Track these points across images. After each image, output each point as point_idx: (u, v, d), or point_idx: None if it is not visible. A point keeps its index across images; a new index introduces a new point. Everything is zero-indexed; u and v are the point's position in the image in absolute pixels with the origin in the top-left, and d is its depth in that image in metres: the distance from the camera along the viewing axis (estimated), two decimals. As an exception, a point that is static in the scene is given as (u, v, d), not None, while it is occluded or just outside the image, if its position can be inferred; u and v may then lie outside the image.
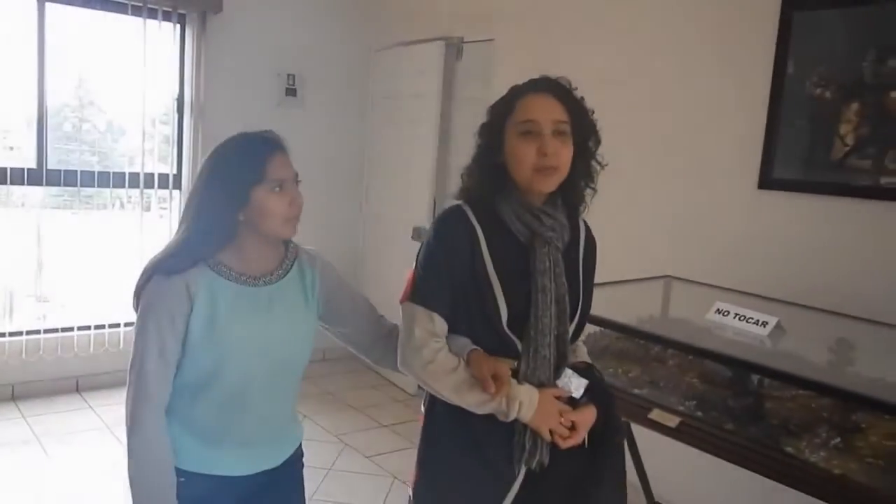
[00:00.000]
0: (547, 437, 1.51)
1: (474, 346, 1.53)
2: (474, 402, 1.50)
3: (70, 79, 4.29)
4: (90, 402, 4.15)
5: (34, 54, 4.01)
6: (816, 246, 2.71)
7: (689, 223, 3.10)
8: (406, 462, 3.67)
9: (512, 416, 1.49)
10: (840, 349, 2.21)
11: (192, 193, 1.56)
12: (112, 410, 4.01)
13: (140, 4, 4.17)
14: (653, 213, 3.27)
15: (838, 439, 1.77)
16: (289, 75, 4.74)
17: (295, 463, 1.74)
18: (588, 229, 1.70)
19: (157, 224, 4.50)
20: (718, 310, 2.22)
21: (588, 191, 1.61)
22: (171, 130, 4.49)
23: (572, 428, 1.52)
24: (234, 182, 1.50)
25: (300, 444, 1.76)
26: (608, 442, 1.60)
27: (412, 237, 4.53)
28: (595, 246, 1.71)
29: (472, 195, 1.59)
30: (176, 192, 4.51)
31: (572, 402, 1.55)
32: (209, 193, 1.52)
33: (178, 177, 4.50)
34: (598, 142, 1.58)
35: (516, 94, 1.56)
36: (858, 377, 2.10)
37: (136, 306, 1.54)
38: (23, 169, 4.05)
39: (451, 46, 4.37)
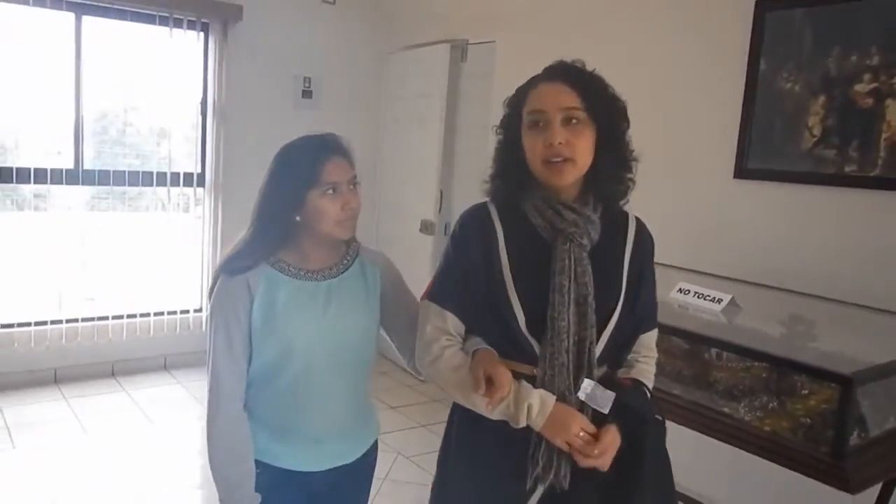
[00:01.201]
0: (564, 447, 1.38)
1: (484, 346, 1.46)
2: (479, 403, 1.41)
3: (105, 86, 4.60)
4: (124, 385, 4.50)
5: (72, 63, 4.33)
6: (786, 231, 2.88)
7: (669, 211, 3.28)
8: (410, 439, 3.93)
9: (521, 422, 1.39)
10: (791, 324, 2.39)
11: (259, 194, 1.61)
12: (143, 394, 4.35)
13: (167, 15, 4.47)
14: (635, 202, 3.44)
15: (776, 402, 1.96)
16: (305, 78, 5.01)
17: (368, 464, 1.74)
18: (641, 226, 1.56)
19: (185, 220, 4.82)
20: (680, 289, 2.41)
21: (625, 182, 1.48)
22: (195, 132, 4.79)
23: (596, 440, 1.37)
24: (291, 185, 1.55)
25: (375, 442, 1.76)
26: (635, 475, 1.41)
27: (420, 230, 4.77)
28: (651, 245, 1.56)
29: (497, 191, 1.53)
30: (200, 190, 4.81)
31: (599, 418, 1.41)
32: (269, 195, 1.58)
33: (202, 175, 4.81)
34: (625, 126, 1.46)
35: (529, 84, 1.48)
36: (803, 348, 2.27)
37: (209, 303, 1.63)
38: (61, 170, 4.38)
39: (455, 49, 4.60)
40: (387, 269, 1.74)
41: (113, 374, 4.60)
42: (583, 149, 1.41)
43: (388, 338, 1.76)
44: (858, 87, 2.65)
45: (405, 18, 5.11)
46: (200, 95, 4.76)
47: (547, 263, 1.42)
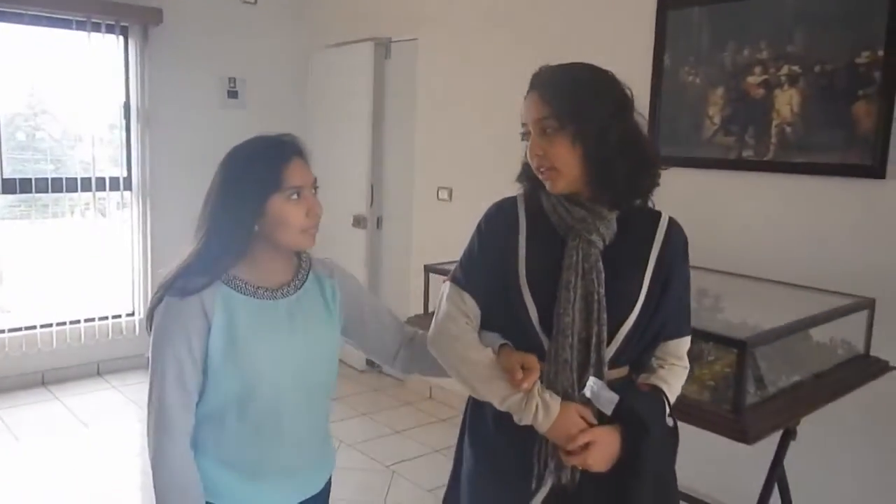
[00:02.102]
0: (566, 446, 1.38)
1: (505, 341, 1.45)
2: (497, 393, 1.40)
3: (21, 91, 4.50)
4: (56, 393, 4.43)
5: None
6: (694, 213, 3.09)
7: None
8: (352, 427, 4.03)
9: (526, 420, 1.38)
10: (699, 297, 2.60)
11: (206, 203, 1.44)
12: (77, 400, 4.30)
13: (84, 19, 4.40)
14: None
15: (685, 369, 2.16)
16: (230, 79, 5.01)
17: (327, 488, 1.65)
18: (672, 227, 1.50)
19: (112, 225, 4.77)
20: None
21: (636, 178, 1.42)
22: (119, 136, 4.73)
23: (585, 447, 1.36)
24: (250, 191, 1.40)
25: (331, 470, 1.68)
26: (634, 482, 1.39)
27: (353, 224, 4.86)
28: (682, 246, 1.51)
29: (527, 186, 1.53)
30: (127, 194, 4.76)
31: (604, 421, 1.39)
32: (224, 203, 1.41)
33: (128, 179, 4.75)
34: (609, 121, 1.37)
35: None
36: (711, 319, 2.49)
37: (150, 328, 1.44)
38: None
39: (379, 46, 4.70)
40: (343, 277, 1.62)
41: (44, 383, 4.52)
42: (559, 156, 1.39)
43: (358, 347, 1.69)
44: (751, 79, 2.90)
45: (328, 17, 5.17)
46: (123, 99, 4.69)
47: (560, 260, 1.41)
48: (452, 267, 2.92)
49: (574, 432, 1.36)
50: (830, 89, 2.66)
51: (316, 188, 1.49)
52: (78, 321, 4.60)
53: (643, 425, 1.38)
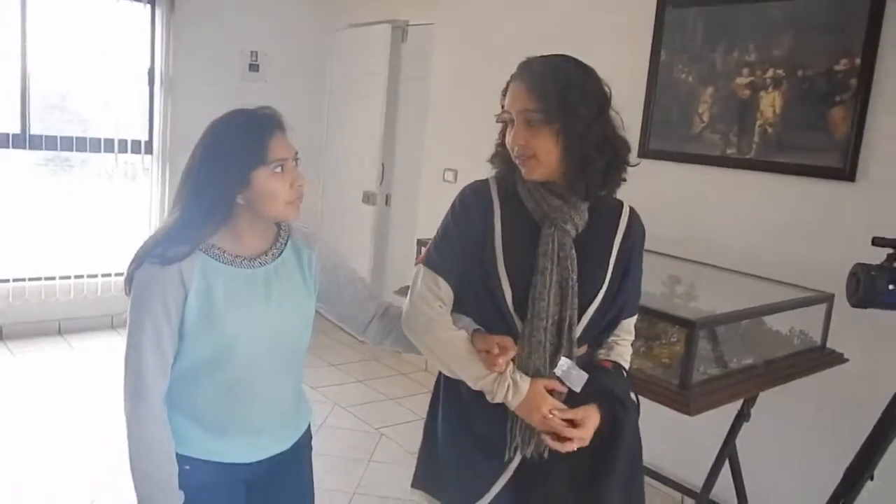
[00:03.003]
0: (539, 427, 1.46)
1: (478, 327, 1.52)
2: (471, 373, 1.48)
3: (52, 55, 4.71)
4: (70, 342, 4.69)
5: (18, 32, 4.44)
6: (678, 206, 3.26)
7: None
8: (346, 391, 4.23)
9: (498, 398, 1.46)
10: (670, 284, 2.76)
11: (187, 173, 1.47)
12: (90, 348, 4.56)
13: (114, -14, 4.62)
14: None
15: (645, 347, 2.32)
16: (252, 52, 5.21)
17: (304, 445, 1.70)
18: (634, 216, 1.60)
19: (132, 185, 5.00)
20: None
21: (609, 170, 1.48)
22: (142, 100, 4.95)
23: (572, 426, 1.45)
24: (234, 163, 1.42)
25: (309, 426, 1.73)
26: (612, 456, 1.50)
27: (362, 200, 5.05)
28: (642, 234, 1.61)
29: (498, 171, 1.58)
30: (148, 157, 4.99)
31: (573, 398, 1.48)
32: (206, 174, 1.44)
33: (149, 143, 4.98)
34: (578, 117, 1.43)
35: (509, 80, 1.53)
36: (680, 305, 2.64)
37: (128, 291, 1.47)
38: (7, 134, 4.51)
39: (396, 29, 4.86)
40: (322, 248, 1.65)
41: (60, 332, 4.79)
42: (542, 146, 1.44)
43: (330, 315, 1.73)
44: (739, 80, 3.02)
45: (350, -3, 5.34)
46: (148, 65, 4.90)
47: (535, 245, 1.47)
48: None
49: (544, 410, 1.44)
50: (810, 94, 2.79)
51: (297, 160, 1.51)
52: (95, 275, 4.86)
53: (621, 402, 1.50)
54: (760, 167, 2.97)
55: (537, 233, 1.49)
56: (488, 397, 1.48)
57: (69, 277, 4.78)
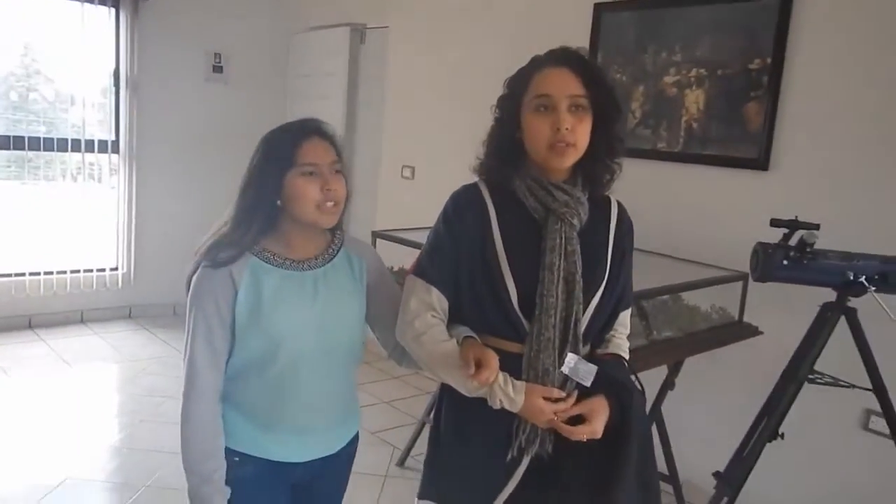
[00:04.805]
0: (544, 427, 1.47)
1: (471, 334, 1.50)
2: (463, 384, 1.47)
3: (16, 54, 4.83)
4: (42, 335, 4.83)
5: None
6: (615, 195, 3.50)
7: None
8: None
9: (496, 406, 1.46)
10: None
11: (241, 183, 1.56)
12: (61, 343, 4.70)
13: (78, -10, 4.75)
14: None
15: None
16: (215, 54, 5.36)
17: (349, 452, 1.73)
18: (622, 210, 1.63)
19: (99, 185, 5.13)
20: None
21: (612, 167, 1.54)
22: (109, 101, 5.08)
23: (580, 421, 1.44)
24: (269, 168, 1.51)
25: (357, 434, 1.75)
26: (624, 443, 1.48)
27: (324, 196, 5.23)
28: (631, 229, 1.63)
29: (489, 169, 1.56)
30: (115, 156, 5.12)
31: (585, 392, 1.47)
32: (250, 180, 1.53)
33: (115, 143, 5.11)
34: (619, 115, 1.51)
35: (533, 67, 1.51)
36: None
37: (188, 294, 1.56)
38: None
39: (355, 32, 5.05)
40: (373, 260, 1.70)
41: (31, 326, 4.92)
42: (584, 134, 1.45)
43: (370, 329, 1.74)
44: (666, 79, 3.29)
45: (309, 1, 5.51)
46: (113, 66, 5.04)
47: (537, 242, 1.47)
48: (398, 234, 3.28)
49: (548, 414, 1.44)
50: (728, 91, 3.06)
51: (337, 169, 1.54)
52: (64, 271, 4.98)
53: (626, 388, 1.50)
54: (687, 159, 3.23)
55: (537, 230, 1.49)
56: (489, 403, 1.47)
57: (39, 274, 4.90)
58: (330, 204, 1.52)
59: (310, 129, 1.55)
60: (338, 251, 1.63)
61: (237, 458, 1.55)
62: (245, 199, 1.53)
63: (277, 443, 1.58)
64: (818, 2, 2.82)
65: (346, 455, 1.72)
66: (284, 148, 1.51)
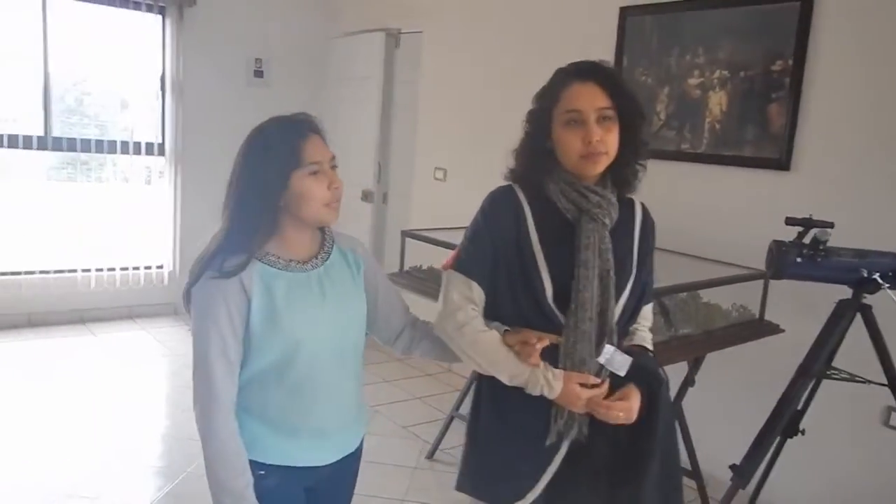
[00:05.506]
0: (580, 411, 1.55)
1: (507, 328, 1.58)
2: (505, 371, 1.54)
3: (72, 60, 5.08)
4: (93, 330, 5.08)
5: (40, 40, 4.84)
6: (640, 196, 3.56)
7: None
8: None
9: (535, 393, 1.53)
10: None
11: (231, 185, 1.50)
12: (111, 337, 4.94)
13: (128, -1, 5.01)
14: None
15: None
16: (256, 59, 5.57)
17: (361, 449, 1.73)
18: (646, 211, 1.73)
19: (148, 186, 5.38)
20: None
21: (638, 169, 1.62)
22: (156, 105, 5.33)
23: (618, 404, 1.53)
24: (273, 167, 1.46)
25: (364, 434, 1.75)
26: (652, 430, 1.57)
27: (361, 198, 5.39)
28: (653, 228, 1.73)
29: (521, 176, 1.64)
30: (161, 159, 5.37)
31: (616, 381, 1.56)
32: (249, 182, 1.47)
33: (161, 145, 5.36)
34: (643, 121, 1.60)
35: (561, 82, 1.58)
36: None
37: (187, 306, 1.51)
38: (31, 136, 4.89)
39: (390, 37, 5.19)
40: (364, 252, 1.72)
41: (82, 321, 5.18)
42: (613, 142, 1.54)
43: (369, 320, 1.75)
44: (690, 81, 3.34)
45: (346, 7, 5.68)
46: (160, 71, 5.27)
47: (570, 240, 1.55)
48: (426, 234, 3.39)
49: (584, 399, 1.53)
50: (751, 92, 3.10)
51: (334, 165, 1.55)
52: (114, 269, 5.24)
53: (655, 376, 1.60)
54: (710, 160, 3.28)
55: (570, 229, 1.57)
56: (526, 390, 1.55)
57: (90, 270, 5.16)
58: (335, 202, 1.53)
59: (308, 126, 1.54)
60: (332, 247, 1.64)
61: (262, 472, 1.52)
62: (246, 202, 1.48)
63: (301, 448, 1.56)
64: (839, 4, 2.86)
65: (359, 453, 1.73)
66: (288, 146, 1.47)
